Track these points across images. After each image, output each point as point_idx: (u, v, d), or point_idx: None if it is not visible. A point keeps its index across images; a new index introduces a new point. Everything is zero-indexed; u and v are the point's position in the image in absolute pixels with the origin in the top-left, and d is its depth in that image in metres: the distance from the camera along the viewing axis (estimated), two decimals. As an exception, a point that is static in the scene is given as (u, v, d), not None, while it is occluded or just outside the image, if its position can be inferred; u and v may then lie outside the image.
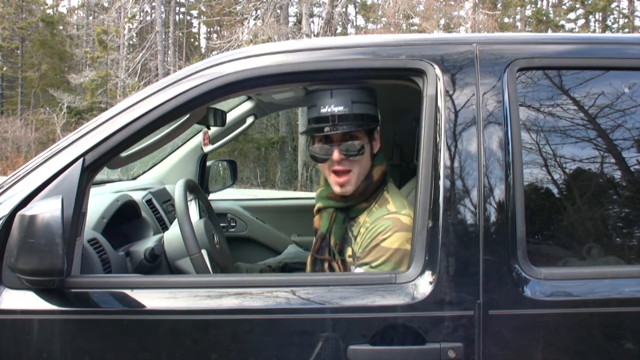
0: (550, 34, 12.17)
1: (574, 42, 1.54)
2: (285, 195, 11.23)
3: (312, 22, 23.57)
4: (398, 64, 1.43)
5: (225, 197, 3.61)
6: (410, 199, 2.03)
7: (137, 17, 24.78)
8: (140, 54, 22.37)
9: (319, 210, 1.79)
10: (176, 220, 1.89)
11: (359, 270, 1.59)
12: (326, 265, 1.71)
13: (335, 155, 1.61)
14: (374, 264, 1.56)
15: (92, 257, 1.61)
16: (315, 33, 21.14)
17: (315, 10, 24.63)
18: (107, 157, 1.41)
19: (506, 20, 27.28)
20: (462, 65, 1.41)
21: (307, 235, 3.05)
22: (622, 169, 1.42)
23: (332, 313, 1.31)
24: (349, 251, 1.68)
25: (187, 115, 1.81)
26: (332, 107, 1.58)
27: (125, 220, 2.16)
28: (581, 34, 5.14)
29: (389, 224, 1.58)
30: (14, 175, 1.43)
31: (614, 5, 27.83)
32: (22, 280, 1.29)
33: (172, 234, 1.98)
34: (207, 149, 2.99)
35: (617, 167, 1.42)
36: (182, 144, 3.06)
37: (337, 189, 1.66)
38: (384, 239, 1.56)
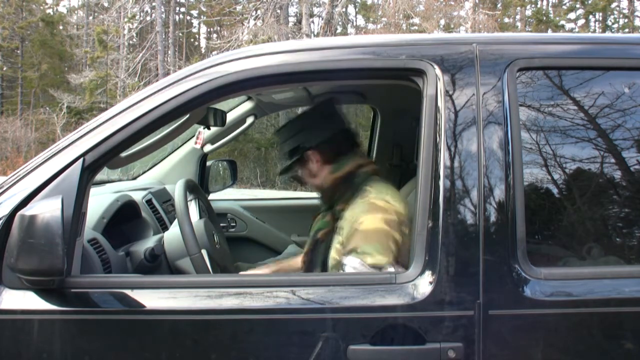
0: (550, 34, 12.17)
1: (574, 42, 1.54)
2: (285, 195, 11.22)
3: (312, 22, 23.57)
4: (398, 64, 1.43)
5: (225, 197, 3.61)
6: (410, 199, 2.03)
7: (137, 17, 24.77)
8: (140, 54, 22.37)
9: (315, 217, 1.97)
10: (176, 220, 1.89)
11: (348, 258, 1.62)
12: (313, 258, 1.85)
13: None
14: (357, 249, 1.61)
15: (92, 257, 1.61)
16: (315, 33, 21.13)
17: (315, 10, 24.63)
18: (107, 157, 1.41)
19: (506, 20, 27.27)
20: (462, 65, 1.41)
21: (307, 235, 3.05)
22: (622, 169, 1.42)
23: (332, 313, 1.31)
24: (338, 239, 1.73)
25: (187, 115, 1.81)
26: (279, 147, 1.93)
27: (125, 220, 2.15)
28: (581, 34, 5.14)
29: (363, 208, 1.68)
30: (14, 175, 1.43)
31: (614, 5, 27.83)
32: (22, 280, 1.29)
33: (172, 234, 1.98)
34: (207, 149, 2.99)
35: (617, 167, 1.42)
36: (182, 144, 3.06)
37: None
38: (360, 223, 1.64)
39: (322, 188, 1.87)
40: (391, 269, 1.57)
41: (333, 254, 1.72)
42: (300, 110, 1.88)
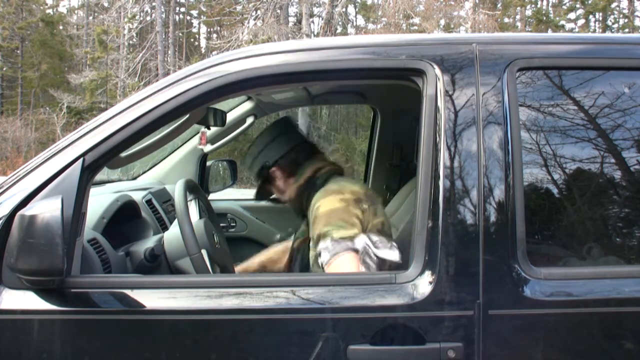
0: (550, 34, 12.16)
1: (574, 42, 1.54)
2: (285, 195, 11.19)
3: (312, 22, 23.56)
4: (398, 64, 1.43)
5: (225, 197, 3.61)
6: (410, 198, 2.03)
7: (137, 17, 24.77)
8: (140, 54, 22.36)
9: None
10: (176, 220, 1.89)
11: (319, 244, 1.66)
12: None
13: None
14: (322, 232, 1.65)
15: (92, 257, 1.61)
16: (315, 33, 21.13)
17: (315, 10, 24.62)
18: (107, 157, 1.41)
19: (506, 20, 27.27)
20: (462, 65, 1.41)
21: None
22: (622, 169, 1.42)
23: (332, 313, 1.31)
24: (311, 237, 1.77)
25: (187, 115, 1.81)
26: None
27: (125, 220, 2.15)
28: (581, 34, 5.14)
29: (317, 196, 1.76)
30: (14, 175, 1.43)
31: (614, 5, 27.83)
32: (22, 280, 1.29)
33: (172, 234, 1.98)
34: (207, 148, 2.99)
35: (617, 167, 1.42)
36: (182, 144, 3.06)
37: None
38: (317, 208, 1.70)
39: (291, 200, 1.93)
40: (364, 238, 1.63)
41: (310, 253, 1.76)
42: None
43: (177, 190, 1.88)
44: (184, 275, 1.85)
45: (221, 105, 2.28)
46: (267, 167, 1.94)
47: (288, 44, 1.52)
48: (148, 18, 27.24)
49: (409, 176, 2.72)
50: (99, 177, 1.68)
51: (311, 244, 1.76)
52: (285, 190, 1.94)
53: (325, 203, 1.70)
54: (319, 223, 1.68)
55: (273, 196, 2.06)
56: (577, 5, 27.68)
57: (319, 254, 1.66)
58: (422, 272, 1.32)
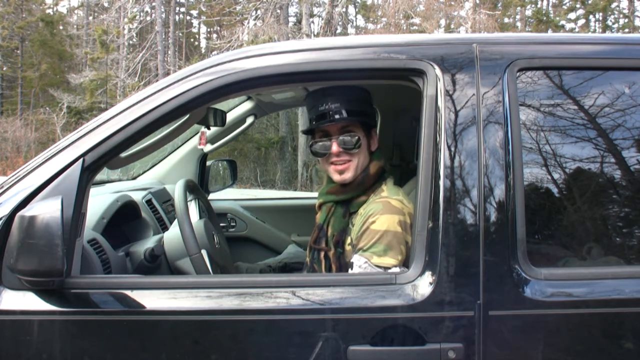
0: (550, 34, 12.16)
1: (574, 42, 1.53)
2: (285, 195, 11.22)
3: (312, 22, 23.58)
4: (398, 64, 1.43)
5: (225, 197, 3.61)
6: (410, 198, 2.03)
7: (137, 17, 24.77)
8: (140, 54, 22.36)
9: (320, 207, 1.86)
10: (176, 221, 1.89)
11: (355, 256, 1.61)
12: (322, 254, 1.76)
13: (334, 147, 1.70)
14: (365, 248, 1.59)
15: (92, 257, 1.61)
16: (315, 33, 21.13)
17: (315, 10, 24.62)
18: (107, 158, 1.41)
19: (506, 20, 27.27)
20: (462, 66, 1.41)
21: (307, 235, 3.05)
22: (622, 169, 1.42)
23: (332, 314, 1.31)
24: (348, 240, 1.71)
25: (187, 116, 1.81)
26: (329, 104, 1.68)
27: (125, 221, 2.15)
28: (581, 34, 5.14)
29: (378, 207, 1.64)
30: (14, 175, 1.43)
31: (614, 5, 27.83)
32: (22, 281, 1.29)
33: (172, 234, 1.98)
34: (207, 148, 2.99)
35: (617, 167, 1.42)
36: (182, 144, 3.06)
37: (337, 177, 1.73)
38: (373, 222, 1.61)
39: (361, 172, 1.73)
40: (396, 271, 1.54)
41: (346, 247, 1.70)
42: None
43: (177, 191, 1.88)
44: (184, 275, 1.85)
45: (221, 105, 2.28)
46: (370, 119, 1.76)
47: (288, 44, 1.52)
48: (148, 18, 27.22)
49: (409, 176, 2.72)
50: (99, 177, 1.68)
51: (351, 239, 1.68)
52: (366, 156, 1.74)
53: (383, 221, 1.59)
54: (367, 237, 1.60)
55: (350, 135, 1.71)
56: (577, 5, 27.68)
57: (351, 263, 1.61)
58: (422, 273, 1.32)
